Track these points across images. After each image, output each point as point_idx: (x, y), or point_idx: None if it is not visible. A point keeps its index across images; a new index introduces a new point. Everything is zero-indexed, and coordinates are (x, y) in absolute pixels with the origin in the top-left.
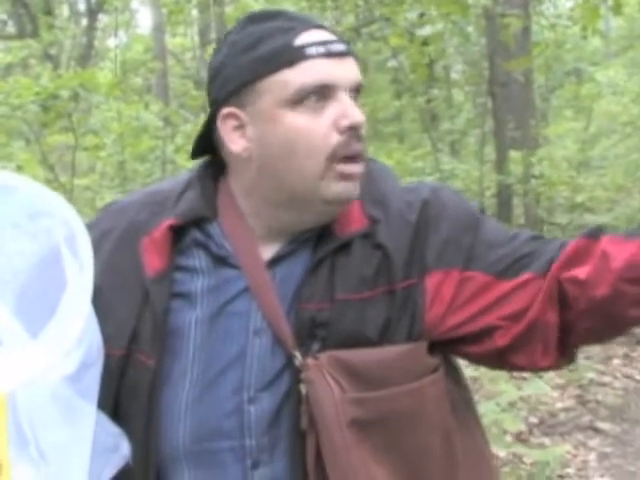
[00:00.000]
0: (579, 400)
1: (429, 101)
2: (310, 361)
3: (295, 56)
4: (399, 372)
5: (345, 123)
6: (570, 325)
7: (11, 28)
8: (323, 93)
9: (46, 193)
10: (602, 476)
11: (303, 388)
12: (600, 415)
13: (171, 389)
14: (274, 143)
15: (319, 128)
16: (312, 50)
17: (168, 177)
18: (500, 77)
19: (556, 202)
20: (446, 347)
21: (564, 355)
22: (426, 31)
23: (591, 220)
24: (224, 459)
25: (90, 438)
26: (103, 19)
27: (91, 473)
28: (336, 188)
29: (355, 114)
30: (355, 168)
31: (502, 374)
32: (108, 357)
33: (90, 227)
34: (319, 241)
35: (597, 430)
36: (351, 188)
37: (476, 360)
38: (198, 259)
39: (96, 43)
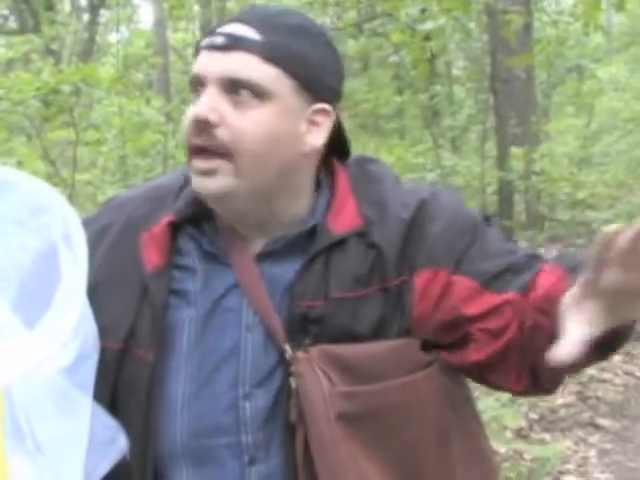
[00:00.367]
0: (579, 396)
1: (432, 97)
2: (300, 354)
3: (196, 49)
4: (391, 366)
5: (189, 115)
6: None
7: (12, 23)
8: (199, 85)
9: (45, 189)
10: (602, 472)
11: (293, 382)
12: (600, 411)
13: (168, 385)
14: None
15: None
16: (203, 43)
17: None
18: (502, 73)
19: (557, 199)
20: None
21: (536, 384)
22: (428, 27)
23: (592, 217)
24: (221, 455)
25: (86, 430)
26: (105, 14)
27: (87, 465)
28: (194, 183)
29: (199, 106)
30: (198, 163)
31: None
32: (105, 350)
33: (91, 222)
34: (312, 239)
35: (597, 426)
36: (203, 183)
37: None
38: (192, 257)
39: (98, 38)
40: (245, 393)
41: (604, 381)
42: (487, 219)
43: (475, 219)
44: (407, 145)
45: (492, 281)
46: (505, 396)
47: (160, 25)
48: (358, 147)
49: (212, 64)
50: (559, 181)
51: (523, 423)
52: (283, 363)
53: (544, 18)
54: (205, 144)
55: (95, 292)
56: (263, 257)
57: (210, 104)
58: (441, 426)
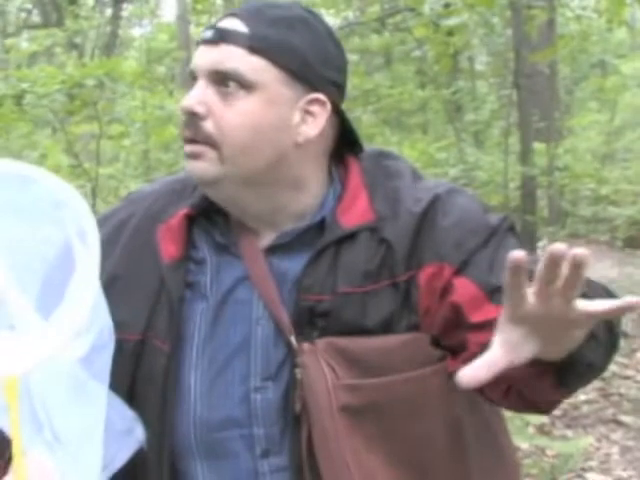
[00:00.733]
0: (602, 393)
1: (455, 92)
2: (306, 346)
3: (197, 43)
4: (399, 360)
5: (179, 107)
6: None
7: (36, 17)
8: (194, 77)
9: (63, 184)
10: (625, 469)
11: (298, 373)
12: (623, 408)
13: (183, 377)
14: None
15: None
16: (199, 38)
17: None
18: (525, 69)
19: (580, 195)
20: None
21: (527, 403)
22: (451, 22)
23: (615, 213)
24: (235, 448)
25: (103, 420)
26: (127, 8)
27: (105, 456)
28: (186, 167)
29: (187, 99)
30: (186, 147)
31: None
32: (124, 342)
33: (110, 216)
34: (322, 233)
35: (620, 423)
36: (191, 166)
37: None
38: (205, 249)
39: (120, 32)
40: (256, 386)
41: (627, 378)
42: (511, 228)
43: (491, 224)
44: (430, 140)
45: (496, 293)
46: None
47: (183, 19)
48: (381, 142)
49: (202, 57)
50: (582, 177)
51: (545, 419)
52: (291, 356)
53: (568, 13)
54: (192, 136)
55: (114, 284)
56: (272, 250)
57: (198, 96)
58: (453, 422)
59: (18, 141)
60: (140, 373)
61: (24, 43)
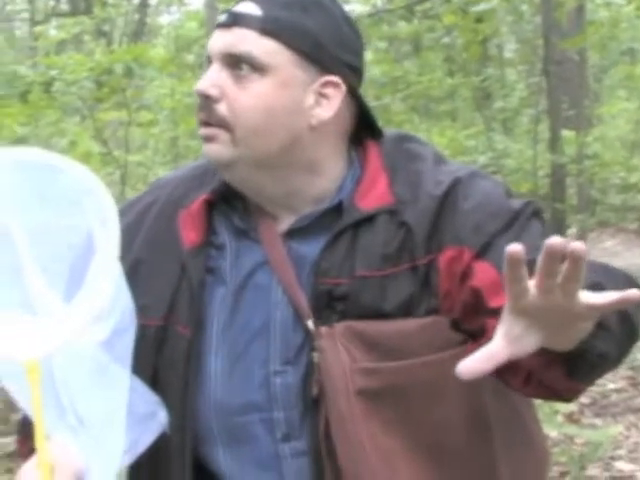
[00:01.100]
0: (631, 382)
1: (484, 80)
2: (323, 329)
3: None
4: (418, 344)
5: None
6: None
7: (64, 5)
8: (210, 61)
9: (88, 173)
10: None
11: (316, 357)
12: None
13: (204, 362)
14: None
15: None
16: (217, 21)
17: None
18: (555, 56)
19: (609, 183)
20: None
21: (547, 391)
22: (480, 9)
23: None
24: (256, 432)
25: (125, 403)
26: None
27: (129, 439)
28: (203, 149)
29: (201, 82)
30: (201, 130)
31: None
32: (147, 328)
33: (136, 202)
34: (340, 216)
35: None
36: (206, 148)
37: None
38: (224, 234)
39: (148, 20)
40: (276, 370)
41: None
42: (536, 213)
43: (513, 208)
44: (459, 127)
45: None
46: None
47: (211, 6)
48: (410, 129)
49: (216, 41)
50: (611, 165)
51: (574, 407)
52: (309, 340)
53: (597, 0)
54: (206, 118)
55: (137, 269)
56: (290, 234)
57: (212, 79)
58: (477, 408)
59: (47, 128)
60: (162, 359)
61: (52, 31)
